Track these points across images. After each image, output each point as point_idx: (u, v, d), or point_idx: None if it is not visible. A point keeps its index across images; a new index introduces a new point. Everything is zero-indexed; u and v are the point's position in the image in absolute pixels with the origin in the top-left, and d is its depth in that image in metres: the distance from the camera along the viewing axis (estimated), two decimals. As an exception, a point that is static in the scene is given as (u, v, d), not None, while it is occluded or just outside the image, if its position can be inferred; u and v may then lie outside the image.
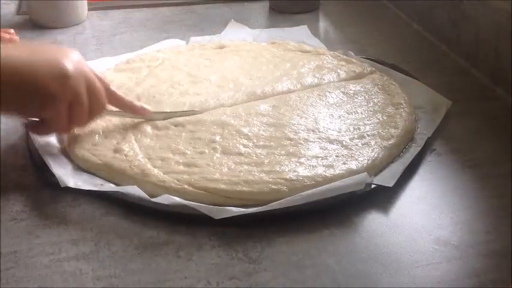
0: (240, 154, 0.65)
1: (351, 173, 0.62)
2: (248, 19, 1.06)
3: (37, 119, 0.63)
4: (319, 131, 0.69)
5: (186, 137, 0.68)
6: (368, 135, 0.68)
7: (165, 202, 0.58)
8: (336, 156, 0.65)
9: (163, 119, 0.71)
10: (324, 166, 0.63)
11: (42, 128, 0.63)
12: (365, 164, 0.63)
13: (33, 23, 1.02)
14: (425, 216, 0.59)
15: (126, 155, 0.65)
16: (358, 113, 0.73)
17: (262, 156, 0.65)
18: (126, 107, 0.69)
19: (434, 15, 0.96)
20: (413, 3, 1.04)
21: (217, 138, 0.68)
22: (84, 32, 1.00)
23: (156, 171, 0.62)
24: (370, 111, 0.74)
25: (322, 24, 1.06)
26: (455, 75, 0.86)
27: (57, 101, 0.58)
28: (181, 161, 0.64)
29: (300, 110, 0.73)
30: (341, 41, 0.98)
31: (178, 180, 0.61)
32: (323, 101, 0.76)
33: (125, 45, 0.94)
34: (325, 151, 0.66)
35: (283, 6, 1.10)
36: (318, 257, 0.54)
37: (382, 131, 0.69)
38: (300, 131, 0.69)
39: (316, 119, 0.72)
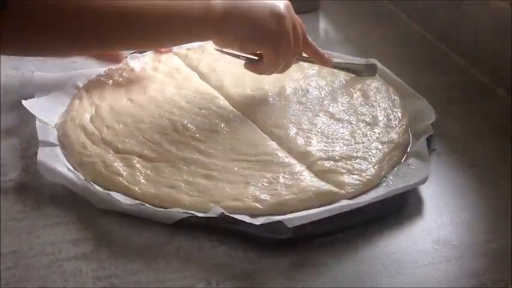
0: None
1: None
2: (248, 19, 1.06)
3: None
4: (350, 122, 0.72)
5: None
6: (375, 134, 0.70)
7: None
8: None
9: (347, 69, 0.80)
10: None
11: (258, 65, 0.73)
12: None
13: (33, 23, 1.02)
14: (425, 216, 0.59)
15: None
16: (350, 103, 0.75)
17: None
18: (315, 55, 0.76)
19: (434, 15, 0.96)
20: (413, 3, 1.04)
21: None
22: (84, 32, 1.00)
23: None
24: (362, 102, 0.76)
25: (322, 24, 1.06)
26: (455, 75, 0.86)
27: (276, 37, 0.68)
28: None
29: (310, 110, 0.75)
30: (341, 41, 0.98)
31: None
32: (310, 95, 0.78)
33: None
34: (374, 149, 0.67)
35: (283, 6, 1.09)
36: (318, 257, 0.54)
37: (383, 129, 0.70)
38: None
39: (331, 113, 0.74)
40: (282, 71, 0.74)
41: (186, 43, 0.74)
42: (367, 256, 0.54)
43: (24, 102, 0.71)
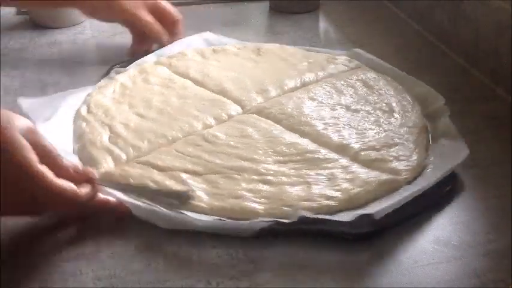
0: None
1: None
2: (248, 19, 1.06)
3: None
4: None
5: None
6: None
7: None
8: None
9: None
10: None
11: None
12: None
13: (33, 23, 1.02)
14: (426, 216, 0.59)
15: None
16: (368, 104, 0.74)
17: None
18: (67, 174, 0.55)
19: (434, 15, 0.96)
20: (413, 3, 1.04)
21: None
22: (84, 32, 1.00)
23: None
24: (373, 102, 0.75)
25: (322, 24, 1.06)
26: (455, 75, 0.86)
27: None
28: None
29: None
30: (341, 41, 0.98)
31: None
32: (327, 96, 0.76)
33: (125, 46, 0.94)
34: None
35: (283, 6, 1.09)
36: (318, 257, 0.54)
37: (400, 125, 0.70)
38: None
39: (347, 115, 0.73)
40: None
41: None
42: (367, 256, 0.54)
43: (23, 102, 0.71)
